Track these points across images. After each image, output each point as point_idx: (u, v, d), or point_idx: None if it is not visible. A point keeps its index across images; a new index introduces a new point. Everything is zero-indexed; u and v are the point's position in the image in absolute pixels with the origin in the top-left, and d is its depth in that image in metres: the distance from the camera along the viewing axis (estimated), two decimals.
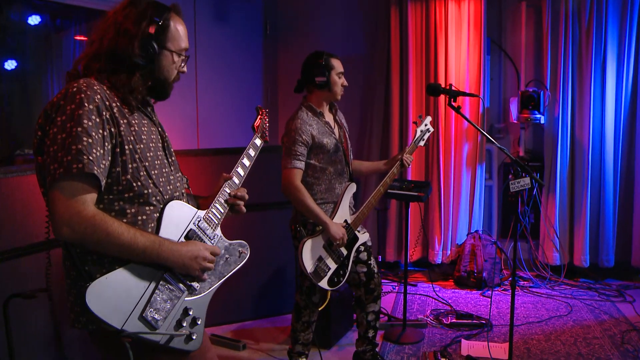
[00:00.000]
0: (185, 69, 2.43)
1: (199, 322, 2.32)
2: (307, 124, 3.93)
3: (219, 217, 2.49)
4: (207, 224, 2.42)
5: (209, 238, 2.41)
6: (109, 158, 2.10)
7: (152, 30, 2.25)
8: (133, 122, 2.22)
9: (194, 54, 5.74)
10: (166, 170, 2.35)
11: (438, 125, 6.72)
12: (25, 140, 5.35)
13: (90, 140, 2.02)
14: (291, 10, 7.48)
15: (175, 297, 2.23)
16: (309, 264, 3.83)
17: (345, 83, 4.09)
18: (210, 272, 2.38)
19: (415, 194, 5.12)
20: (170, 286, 2.21)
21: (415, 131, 4.33)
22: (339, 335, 5.08)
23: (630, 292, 6.08)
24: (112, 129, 2.11)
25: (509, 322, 4.13)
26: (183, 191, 2.47)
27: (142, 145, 2.22)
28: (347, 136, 4.26)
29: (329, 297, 4.37)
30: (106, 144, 2.08)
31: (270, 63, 7.52)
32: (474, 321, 5.29)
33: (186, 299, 2.28)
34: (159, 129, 2.42)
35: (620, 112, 6.34)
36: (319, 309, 4.34)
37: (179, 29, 2.36)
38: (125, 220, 2.14)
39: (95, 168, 2.02)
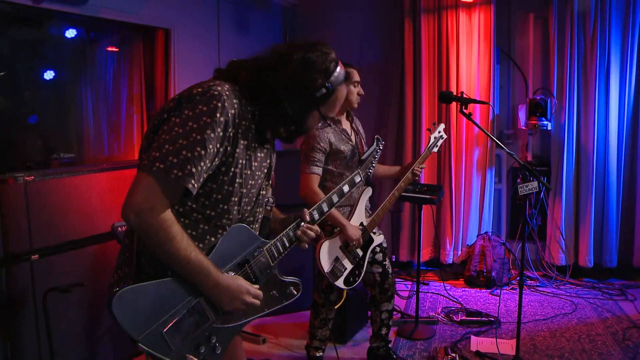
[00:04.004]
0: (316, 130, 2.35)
1: (218, 352, 2.19)
2: (324, 131, 3.96)
3: (282, 251, 2.38)
4: (268, 255, 2.32)
5: (262, 271, 2.31)
6: (210, 172, 2.04)
7: (319, 94, 2.18)
8: (252, 144, 2.17)
9: (217, 62, 5.81)
10: (254, 197, 2.28)
11: (450, 131, 6.74)
12: (60, 145, 5.43)
13: (202, 152, 1.96)
14: (310, 20, 7.52)
15: (202, 322, 2.13)
16: (326, 264, 3.87)
17: (362, 92, 4.07)
18: None
19: (428, 197, 5.15)
20: (201, 311, 2.12)
21: (429, 138, 4.33)
22: (354, 331, 5.13)
23: (632, 291, 6.07)
24: (229, 148, 2.06)
25: (517, 320, 4.18)
26: (260, 216, 2.37)
27: (249, 172, 2.17)
28: (364, 142, 4.30)
29: (345, 295, 4.41)
30: (216, 159, 2.03)
31: None
32: (483, 318, 5.32)
33: (214, 325, 2.18)
34: (272, 154, 2.36)
35: (624, 118, 6.33)
36: (336, 307, 4.39)
37: (340, 100, 2.31)
38: (193, 233, 2.10)
39: (193, 182, 1.97)
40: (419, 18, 6.78)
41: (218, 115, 1.98)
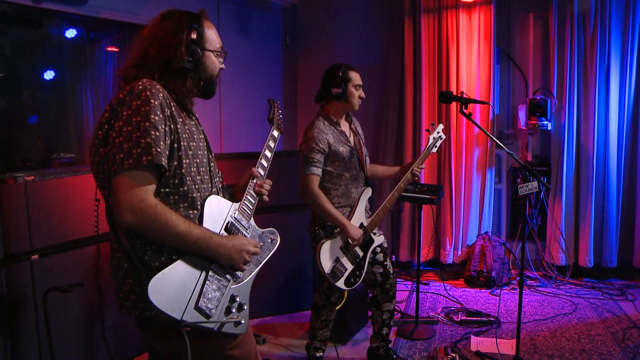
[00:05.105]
0: (223, 65, 2.54)
1: (245, 308, 2.42)
2: (323, 132, 3.97)
3: (252, 207, 2.57)
4: (242, 215, 2.50)
5: (245, 228, 2.49)
6: (167, 152, 2.17)
7: (193, 36, 2.34)
8: (186, 121, 2.33)
9: None
10: (208, 168, 2.44)
11: (450, 131, 6.75)
12: (61, 145, 5.43)
13: (157, 134, 2.10)
14: (310, 20, 7.54)
15: (223, 286, 2.31)
16: (326, 265, 3.86)
17: (363, 95, 4.10)
18: None
19: (428, 197, 5.15)
20: (218, 276, 2.29)
21: (428, 138, 4.33)
22: (354, 331, 5.12)
23: (631, 291, 6.08)
24: (172, 126, 2.20)
25: (517, 320, 4.18)
26: (220, 186, 2.56)
27: (193, 143, 2.32)
28: (362, 143, 4.30)
29: (345, 296, 4.41)
30: (167, 138, 2.16)
31: (289, 71, 7.58)
32: (483, 318, 5.31)
33: (232, 286, 2.37)
34: (201, 127, 2.52)
35: (623, 118, 6.34)
36: (337, 308, 4.39)
37: (212, 32, 2.46)
38: (178, 213, 2.21)
39: (163, 159, 2.12)
40: (419, 18, 6.79)
41: (152, 101, 2.13)
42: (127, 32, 5.48)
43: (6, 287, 3.46)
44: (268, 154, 2.77)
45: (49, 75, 5.28)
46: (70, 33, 5.18)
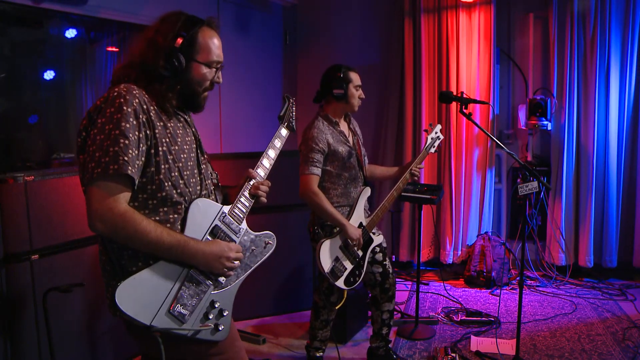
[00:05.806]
0: (220, 79, 2.43)
1: (225, 314, 2.35)
2: (323, 132, 3.97)
3: (244, 211, 2.47)
4: (232, 218, 2.41)
5: (234, 232, 2.41)
6: (143, 158, 2.14)
7: (178, 43, 2.25)
8: (169, 124, 2.27)
9: None
10: (197, 170, 2.38)
11: (450, 131, 6.75)
12: (61, 145, 5.44)
13: (127, 142, 2.07)
14: (309, 22, 7.54)
15: (201, 291, 2.27)
16: (326, 264, 3.87)
17: (362, 95, 4.11)
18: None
19: (428, 196, 5.15)
20: (196, 282, 2.25)
21: (427, 139, 4.35)
22: (355, 331, 5.12)
23: (632, 291, 6.08)
24: (148, 132, 2.15)
25: (517, 320, 4.18)
26: (212, 188, 2.49)
27: (176, 147, 2.26)
28: (361, 143, 4.30)
29: (345, 296, 4.41)
30: (141, 145, 2.13)
31: (289, 71, 7.58)
32: (483, 318, 5.32)
33: (212, 292, 2.31)
34: (193, 129, 2.46)
35: (623, 119, 6.34)
36: (337, 308, 4.39)
37: (208, 42, 2.33)
38: (157, 218, 2.20)
39: (130, 168, 2.07)
40: (419, 18, 6.79)
41: (125, 108, 2.10)
42: (127, 32, 5.48)
43: (6, 287, 3.46)
44: (271, 153, 2.65)
45: (49, 75, 5.28)
46: (70, 33, 5.19)
